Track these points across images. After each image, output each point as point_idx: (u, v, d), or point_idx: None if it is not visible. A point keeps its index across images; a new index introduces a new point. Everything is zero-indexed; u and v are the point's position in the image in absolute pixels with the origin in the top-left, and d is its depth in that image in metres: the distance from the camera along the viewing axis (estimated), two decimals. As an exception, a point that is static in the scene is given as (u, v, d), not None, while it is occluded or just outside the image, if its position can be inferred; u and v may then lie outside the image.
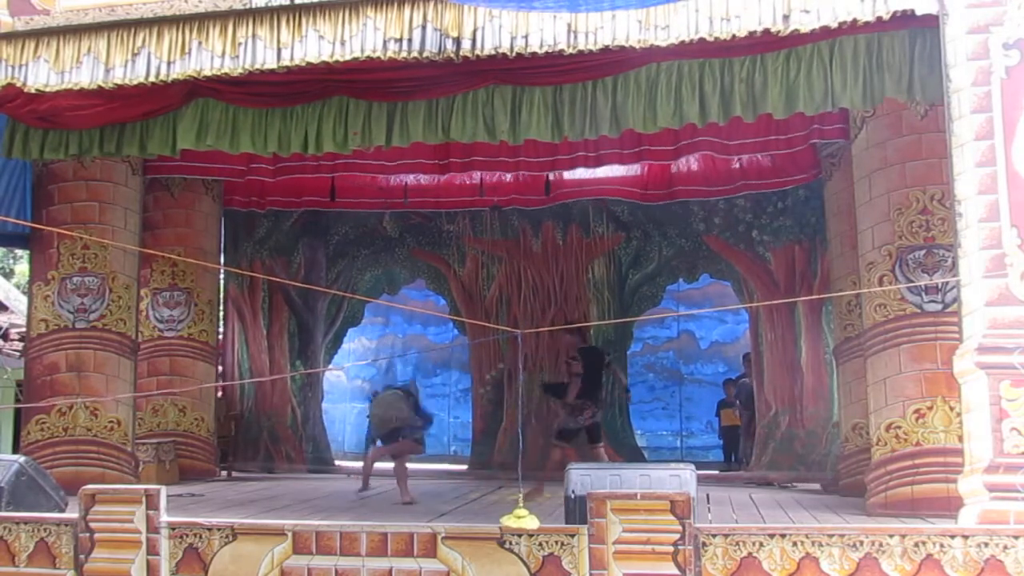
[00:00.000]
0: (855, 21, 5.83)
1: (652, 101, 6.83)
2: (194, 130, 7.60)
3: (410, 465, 11.04)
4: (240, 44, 6.54)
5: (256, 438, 11.72)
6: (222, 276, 11.62)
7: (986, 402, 5.21)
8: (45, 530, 5.85)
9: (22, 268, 19.59)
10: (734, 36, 5.97)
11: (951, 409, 6.81)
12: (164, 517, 5.68)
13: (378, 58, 6.38)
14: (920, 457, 7.01)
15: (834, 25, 5.85)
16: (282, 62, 6.51)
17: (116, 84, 6.78)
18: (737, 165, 10.86)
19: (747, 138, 9.07)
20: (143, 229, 9.77)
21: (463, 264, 11.98)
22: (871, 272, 7.47)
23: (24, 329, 10.90)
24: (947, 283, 6.91)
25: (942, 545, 4.89)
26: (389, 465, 11.65)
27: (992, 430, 5.18)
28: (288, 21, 6.48)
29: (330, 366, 12.38)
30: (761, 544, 5.05)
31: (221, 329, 11.72)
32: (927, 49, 6.17)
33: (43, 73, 6.83)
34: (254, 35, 6.53)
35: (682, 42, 6.03)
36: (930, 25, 5.84)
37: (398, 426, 8.57)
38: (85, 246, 9.02)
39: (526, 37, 6.15)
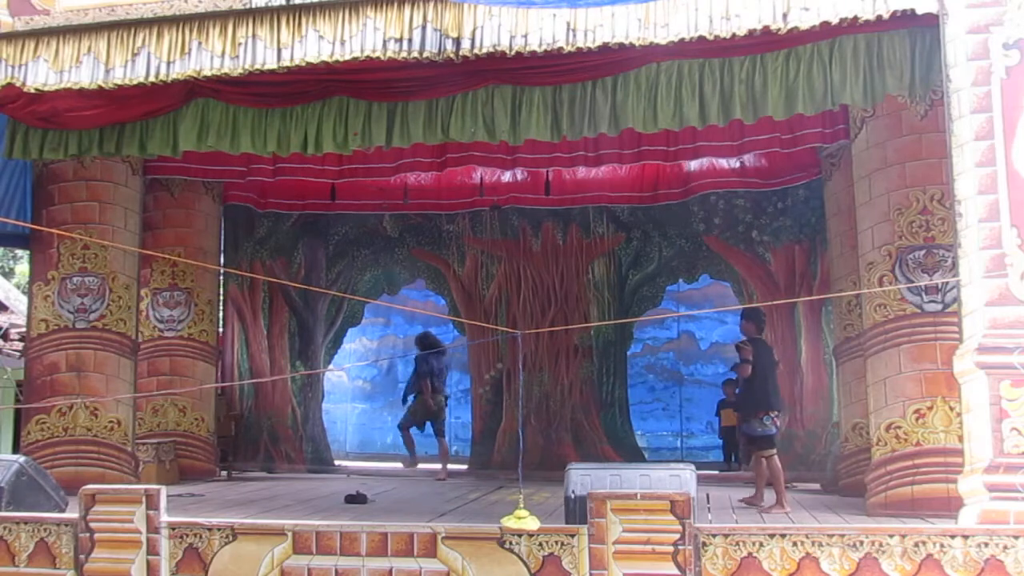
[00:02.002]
0: (855, 19, 5.83)
1: (652, 102, 6.84)
2: (195, 130, 7.61)
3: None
4: (240, 44, 6.55)
5: (256, 438, 11.71)
6: (222, 276, 11.62)
7: (986, 402, 5.22)
8: (45, 530, 5.85)
9: (22, 268, 19.59)
10: (734, 35, 5.97)
11: (951, 409, 6.80)
12: (164, 517, 5.69)
13: (378, 58, 6.39)
14: (920, 457, 7.01)
15: (835, 22, 5.85)
16: (282, 62, 6.52)
17: (116, 84, 6.79)
18: (737, 165, 10.85)
19: (748, 137, 9.05)
20: (143, 229, 9.77)
21: (463, 264, 11.97)
22: (871, 272, 7.47)
23: (24, 329, 10.92)
24: (947, 283, 6.90)
25: (942, 545, 4.89)
26: (389, 465, 11.74)
27: (992, 430, 5.19)
28: (288, 21, 6.49)
29: (331, 366, 12.37)
30: (761, 544, 5.05)
31: (221, 329, 11.71)
32: (927, 47, 6.18)
33: (43, 73, 6.84)
34: (254, 35, 6.54)
35: (681, 39, 6.03)
36: (930, 24, 5.84)
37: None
38: (85, 246, 9.01)
39: (525, 36, 6.16)
